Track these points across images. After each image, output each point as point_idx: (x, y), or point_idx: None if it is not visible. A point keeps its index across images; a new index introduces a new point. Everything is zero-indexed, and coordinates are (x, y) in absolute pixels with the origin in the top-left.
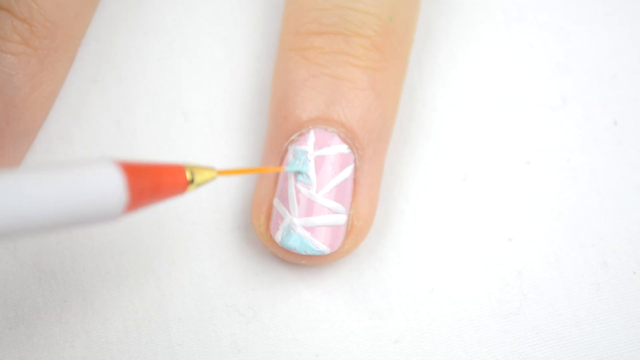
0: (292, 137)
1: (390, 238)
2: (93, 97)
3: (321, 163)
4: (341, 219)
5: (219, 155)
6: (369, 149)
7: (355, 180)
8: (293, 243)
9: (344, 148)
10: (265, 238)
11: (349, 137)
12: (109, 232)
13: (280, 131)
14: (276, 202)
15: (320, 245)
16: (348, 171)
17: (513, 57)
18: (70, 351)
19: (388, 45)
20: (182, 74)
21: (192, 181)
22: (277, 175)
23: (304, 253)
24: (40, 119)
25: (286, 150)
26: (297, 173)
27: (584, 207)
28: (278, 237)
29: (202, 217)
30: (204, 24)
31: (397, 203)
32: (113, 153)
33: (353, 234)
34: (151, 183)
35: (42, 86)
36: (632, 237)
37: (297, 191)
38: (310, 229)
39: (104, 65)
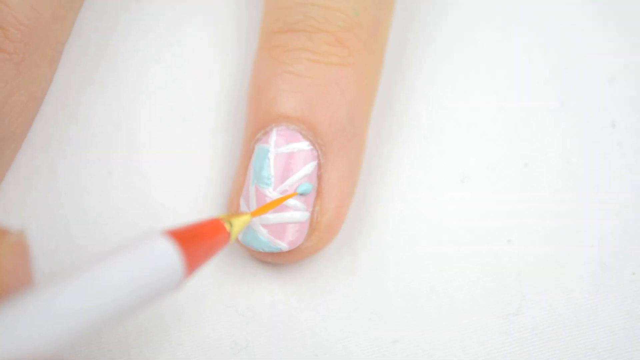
0: (258, 136)
1: (389, 239)
2: (92, 99)
3: (281, 160)
4: (301, 215)
5: (218, 157)
6: (334, 145)
7: (319, 177)
8: (251, 241)
9: (304, 145)
10: (235, 237)
11: (311, 134)
12: (108, 234)
13: (249, 131)
14: (241, 201)
15: (278, 242)
16: (309, 168)
17: (511, 58)
18: (70, 351)
19: (355, 41)
20: (181, 76)
21: (231, 231)
22: (245, 176)
23: (261, 250)
24: (22, 124)
25: (253, 150)
26: (257, 176)
27: (583, 208)
28: (240, 235)
29: (201, 218)
30: (203, 25)
31: (396, 204)
32: (111, 155)
33: (317, 231)
34: (202, 247)
35: (20, 91)
36: (631, 237)
37: (257, 189)
38: (270, 226)
39: (103, 67)
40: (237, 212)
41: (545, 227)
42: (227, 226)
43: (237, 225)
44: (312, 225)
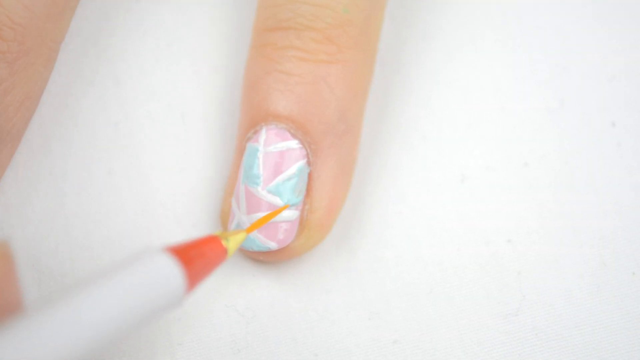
0: (249, 135)
1: (388, 239)
2: (91, 99)
3: (270, 159)
4: (291, 214)
5: (217, 157)
6: (324, 143)
7: (309, 175)
8: None
9: (293, 144)
10: (232, 254)
11: (300, 133)
12: (108, 234)
13: (241, 129)
14: (233, 200)
15: (267, 241)
16: (298, 166)
17: (511, 58)
18: None
19: (344, 37)
20: (180, 76)
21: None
22: (237, 175)
23: (250, 249)
24: (18, 124)
25: (245, 148)
26: (247, 175)
27: (583, 208)
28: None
29: (201, 220)
30: (202, 25)
31: (395, 204)
32: (111, 155)
33: (307, 229)
34: (201, 263)
35: (14, 90)
36: (631, 237)
37: (246, 188)
38: None
39: (102, 67)
40: (233, 230)
41: (545, 227)
42: (224, 243)
43: (233, 242)
44: (302, 224)
